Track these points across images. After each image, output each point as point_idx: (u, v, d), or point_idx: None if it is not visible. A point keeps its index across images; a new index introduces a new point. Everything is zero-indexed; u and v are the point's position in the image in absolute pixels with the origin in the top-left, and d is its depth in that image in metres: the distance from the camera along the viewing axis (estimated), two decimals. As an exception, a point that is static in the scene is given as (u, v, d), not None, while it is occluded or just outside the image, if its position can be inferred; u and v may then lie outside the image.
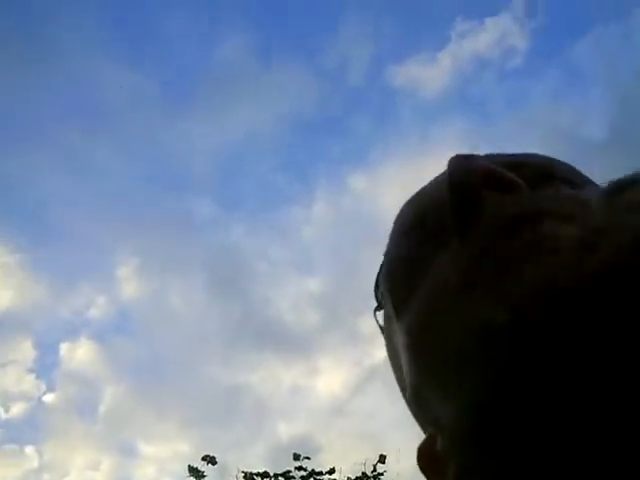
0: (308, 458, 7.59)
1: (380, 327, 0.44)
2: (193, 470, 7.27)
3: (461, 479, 0.33)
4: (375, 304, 0.44)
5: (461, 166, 0.35)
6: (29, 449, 11.30)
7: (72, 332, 13.34)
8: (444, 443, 0.34)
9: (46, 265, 13.34)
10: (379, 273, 0.43)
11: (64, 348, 12.55)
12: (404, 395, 0.41)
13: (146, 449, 11.62)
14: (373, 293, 0.44)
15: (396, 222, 0.42)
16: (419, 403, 0.37)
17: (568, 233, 0.30)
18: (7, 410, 11.72)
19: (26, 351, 12.56)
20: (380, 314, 0.44)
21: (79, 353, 12.82)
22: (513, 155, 0.40)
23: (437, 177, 0.40)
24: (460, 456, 0.32)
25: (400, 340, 0.37)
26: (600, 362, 0.27)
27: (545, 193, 0.35)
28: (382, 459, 7.52)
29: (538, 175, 0.37)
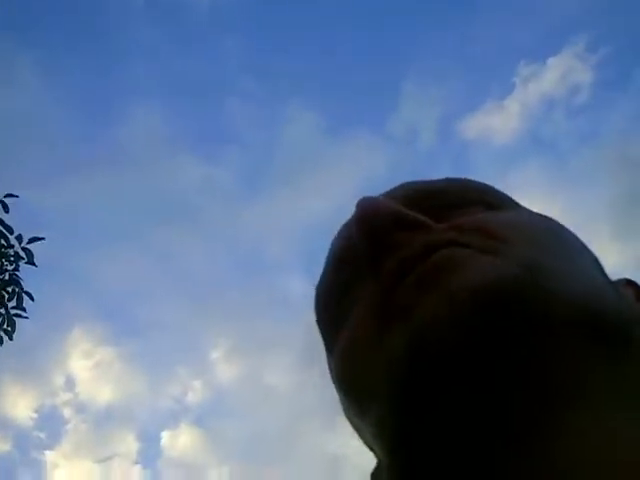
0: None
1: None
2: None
3: None
4: None
5: (370, 211, 0.35)
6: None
7: (172, 420, 13.27)
8: (383, 466, 0.36)
9: (140, 356, 13.17)
10: None
11: (166, 436, 12.65)
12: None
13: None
14: None
15: (326, 259, 0.43)
16: (359, 434, 0.39)
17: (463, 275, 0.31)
18: (115, 503, 11.29)
19: (130, 443, 12.45)
20: None
21: (181, 440, 12.91)
22: (428, 182, 0.41)
23: (351, 218, 0.39)
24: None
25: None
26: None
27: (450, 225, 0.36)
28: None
29: (452, 202, 0.38)
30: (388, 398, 0.31)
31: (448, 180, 0.41)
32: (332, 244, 0.43)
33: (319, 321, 0.42)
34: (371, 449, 0.39)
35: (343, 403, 0.38)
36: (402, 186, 0.41)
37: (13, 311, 5.07)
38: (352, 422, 0.39)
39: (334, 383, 0.38)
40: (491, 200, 0.40)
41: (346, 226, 0.42)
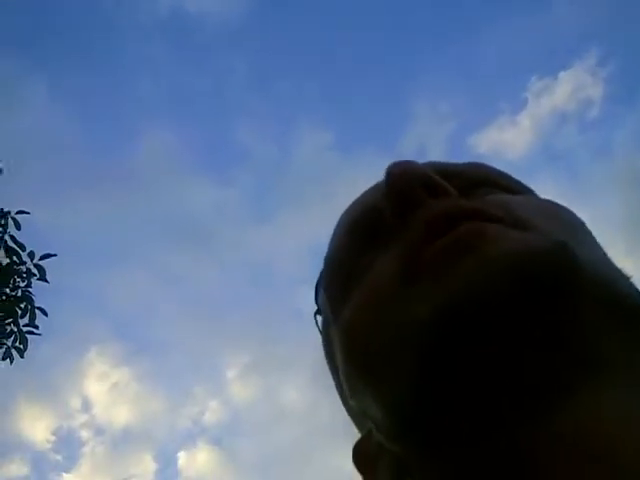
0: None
1: (320, 331, 0.45)
2: None
3: (393, 471, 0.34)
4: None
5: (400, 168, 0.35)
6: None
7: (190, 440, 13.47)
8: (377, 439, 0.35)
9: (156, 377, 13.46)
10: (319, 279, 0.43)
11: (182, 457, 12.90)
12: (342, 399, 0.41)
13: None
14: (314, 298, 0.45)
15: (336, 227, 0.42)
16: (355, 402, 0.37)
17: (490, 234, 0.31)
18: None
19: (147, 464, 12.73)
20: (320, 319, 0.45)
21: (198, 460, 13.14)
22: (448, 164, 0.41)
23: (375, 184, 0.41)
24: (390, 452, 0.34)
25: (336, 340, 0.37)
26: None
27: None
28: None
29: (470, 183, 0.39)
30: (415, 359, 0.30)
31: (466, 163, 0.42)
32: (345, 212, 0.42)
33: (326, 288, 0.41)
34: (359, 424, 0.40)
35: (346, 375, 0.36)
36: (425, 164, 0.40)
37: (25, 328, 5.07)
38: (352, 395, 0.37)
39: (340, 352, 0.36)
40: (508, 185, 0.40)
41: (362, 195, 0.42)
